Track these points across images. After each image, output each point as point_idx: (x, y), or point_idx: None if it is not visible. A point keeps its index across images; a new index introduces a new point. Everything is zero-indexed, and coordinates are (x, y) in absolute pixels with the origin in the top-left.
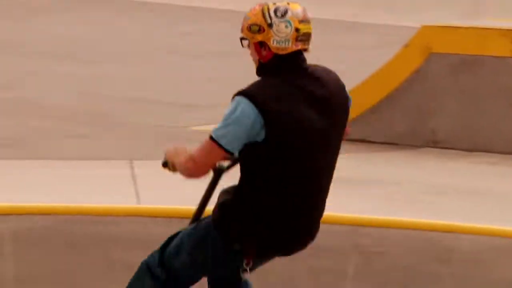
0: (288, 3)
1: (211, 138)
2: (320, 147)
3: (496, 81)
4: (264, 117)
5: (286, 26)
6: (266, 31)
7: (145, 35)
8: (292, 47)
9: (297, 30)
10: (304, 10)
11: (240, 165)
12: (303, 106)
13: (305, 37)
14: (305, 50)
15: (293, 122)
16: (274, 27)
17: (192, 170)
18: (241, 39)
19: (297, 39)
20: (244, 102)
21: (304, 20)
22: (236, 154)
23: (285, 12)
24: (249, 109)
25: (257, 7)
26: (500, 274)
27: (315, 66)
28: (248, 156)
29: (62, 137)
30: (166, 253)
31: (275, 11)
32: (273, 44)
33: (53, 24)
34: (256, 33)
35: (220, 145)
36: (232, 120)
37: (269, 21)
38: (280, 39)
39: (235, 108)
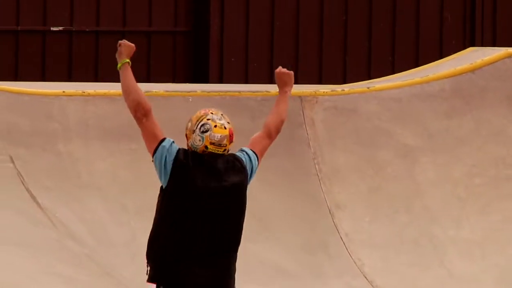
0: (216, 126)
1: None
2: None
3: None
4: None
5: (200, 140)
6: (189, 133)
7: None
8: (199, 151)
9: (205, 147)
10: (223, 138)
11: None
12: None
13: (211, 154)
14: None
15: None
16: (193, 135)
17: None
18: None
19: (203, 152)
20: None
21: (216, 144)
22: None
23: (205, 131)
24: None
25: (202, 112)
26: None
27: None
28: None
29: None
30: None
31: (201, 126)
32: (189, 143)
33: None
34: (186, 129)
35: None
36: None
37: (194, 129)
38: (193, 143)
39: None
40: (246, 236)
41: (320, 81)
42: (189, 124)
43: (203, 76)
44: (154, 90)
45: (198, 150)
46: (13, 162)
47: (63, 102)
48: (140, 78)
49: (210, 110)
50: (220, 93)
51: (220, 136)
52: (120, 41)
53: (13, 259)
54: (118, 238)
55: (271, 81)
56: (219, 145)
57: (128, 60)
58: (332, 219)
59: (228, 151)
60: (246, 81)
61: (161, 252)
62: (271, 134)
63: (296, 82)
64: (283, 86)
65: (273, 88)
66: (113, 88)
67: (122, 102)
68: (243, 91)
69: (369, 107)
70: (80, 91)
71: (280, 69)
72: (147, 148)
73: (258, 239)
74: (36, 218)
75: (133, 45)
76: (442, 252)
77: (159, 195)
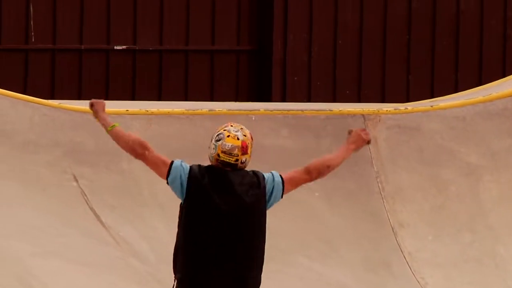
0: (229, 136)
1: None
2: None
3: None
4: None
5: (213, 148)
6: (210, 143)
7: None
8: (214, 162)
9: (218, 155)
10: (234, 147)
11: None
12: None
13: (224, 163)
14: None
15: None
16: (210, 144)
17: None
18: None
19: (217, 161)
20: None
21: (227, 152)
22: None
23: (219, 140)
24: None
25: (223, 125)
26: None
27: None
28: None
29: None
30: None
31: (217, 135)
32: (208, 153)
33: None
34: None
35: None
36: None
37: (212, 139)
38: (209, 153)
39: None
40: (311, 256)
41: (383, 100)
42: (213, 135)
43: (266, 95)
44: (217, 109)
45: (212, 161)
46: (77, 181)
47: (127, 120)
48: (202, 97)
49: (231, 123)
50: (283, 111)
51: (231, 145)
52: (90, 101)
53: (78, 278)
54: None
55: (334, 99)
56: (230, 154)
57: (117, 124)
58: (395, 237)
59: (242, 162)
60: (309, 99)
61: (183, 265)
62: (310, 172)
63: (358, 101)
64: (351, 142)
65: (336, 107)
66: (176, 107)
67: (185, 121)
68: (306, 110)
69: (432, 126)
70: (144, 110)
71: (361, 129)
72: (159, 174)
73: (323, 259)
74: (100, 236)
75: (102, 100)
76: (505, 271)
77: (180, 211)
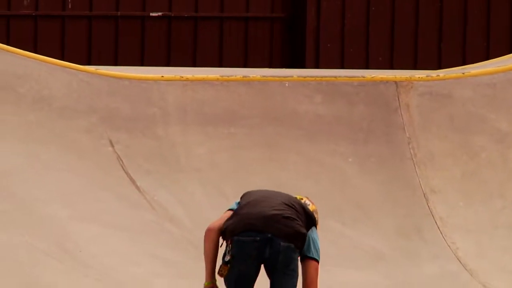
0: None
1: None
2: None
3: None
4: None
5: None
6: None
7: None
8: None
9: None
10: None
11: None
12: None
13: None
14: None
15: None
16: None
17: None
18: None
19: None
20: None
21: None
22: None
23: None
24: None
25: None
26: None
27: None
28: None
29: None
30: None
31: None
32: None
33: None
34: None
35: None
36: None
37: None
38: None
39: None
40: (344, 221)
41: (415, 67)
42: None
43: (299, 62)
44: (251, 75)
45: None
46: (113, 146)
47: (162, 87)
48: (237, 63)
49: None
50: (316, 78)
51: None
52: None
53: (114, 242)
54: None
55: (367, 66)
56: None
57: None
58: (427, 203)
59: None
60: (342, 66)
61: (230, 229)
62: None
63: (391, 67)
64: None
65: (369, 74)
66: (211, 73)
67: (220, 87)
68: (339, 76)
69: (463, 93)
70: (179, 76)
71: None
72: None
73: (355, 224)
74: (135, 201)
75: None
76: None
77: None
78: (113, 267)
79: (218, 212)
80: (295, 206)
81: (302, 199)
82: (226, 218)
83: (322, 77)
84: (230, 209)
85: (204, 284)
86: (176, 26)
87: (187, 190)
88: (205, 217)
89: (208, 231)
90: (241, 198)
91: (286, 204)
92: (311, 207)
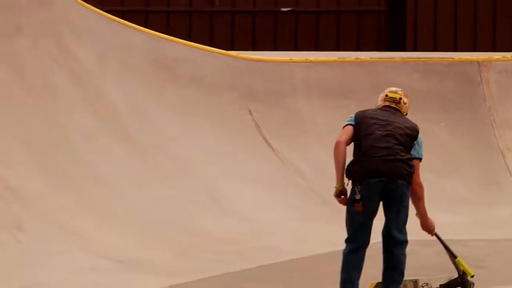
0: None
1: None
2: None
3: None
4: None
5: (381, 96)
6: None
7: None
8: (382, 103)
9: (386, 95)
10: (398, 90)
11: None
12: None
13: (391, 99)
14: (392, 107)
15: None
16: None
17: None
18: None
19: (384, 101)
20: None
21: (393, 91)
22: None
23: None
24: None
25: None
26: None
27: (404, 119)
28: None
29: None
30: None
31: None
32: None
33: None
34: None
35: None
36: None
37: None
38: (379, 99)
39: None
40: (437, 173)
41: (494, 49)
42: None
43: (401, 46)
44: (362, 57)
45: (380, 105)
46: (251, 114)
47: (291, 67)
48: (351, 48)
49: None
50: (414, 59)
51: (396, 89)
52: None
53: (254, 193)
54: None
55: (455, 49)
56: (396, 92)
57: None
58: (504, 160)
59: (404, 102)
60: (435, 49)
61: (358, 175)
62: (416, 183)
63: (474, 50)
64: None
65: (456, 55)
66: (330, 56)
67: (337, 68)
68: (432, 58)
69: None
70: (304, 59)
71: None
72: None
73: (445, 176)
74: (270, 160)
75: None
76: None
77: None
78: (253, 213)
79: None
80: (405, 141)
81: (400, 96)
82: (347, 132)
83: (418, 58)
84: (348, 124)
85: (336, 187)
86: (302, 19)
87: (311, 150)
88: (326, 172)
89: (338, 143)
90: (356, 116)
91: (398, 144)
92: (407, 101)
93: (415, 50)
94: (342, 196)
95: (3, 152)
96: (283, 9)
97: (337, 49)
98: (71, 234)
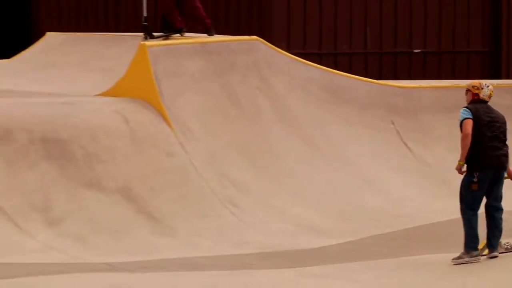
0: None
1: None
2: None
3: None
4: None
5: (487, 92)
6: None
7: None
8: (487, 99)
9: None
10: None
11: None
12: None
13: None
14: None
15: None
16: (483, 91)
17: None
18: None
19: (489, 97)
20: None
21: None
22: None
23: (487, 86)
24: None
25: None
26: None
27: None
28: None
29: None
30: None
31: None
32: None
33: None
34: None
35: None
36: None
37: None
38: (484, 94)
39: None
40: None
41: None
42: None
43: (497, 75)
44: (462, 84)
45: (485, 98)
46: (393, 124)
47: (420, 91)
48: (462, 78)
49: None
50: (507, 84)
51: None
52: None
53: (395, 180)
54: (450, 164)
55: None
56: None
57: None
58: None
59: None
60: None
61: (479, 166)
62: (465, 134)
63: None
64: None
65: None
66: (448, 83)
67: (453, 91)
68: None
69: None
70: (429, 85)
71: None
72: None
73: None
74: (406, 155)
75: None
76: None
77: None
78: (394, 191)
79: (455, 160)
80: (505, 137)
81: (480, 86)
82: (471, 126)
83: (509, 84)
84: (467, 118)
85: (459, 162)
86: (428, 57)
87: (435, 149)
88: (446, 165)
89: (467, 134)
90: (472, 112)
91: (502, 141)
92: (490, 89)
93: (508, 78)
94: (463, 170)
95: (226, 157)
96: (415, 51)
97: (453, 78)
98: (270, 208)
